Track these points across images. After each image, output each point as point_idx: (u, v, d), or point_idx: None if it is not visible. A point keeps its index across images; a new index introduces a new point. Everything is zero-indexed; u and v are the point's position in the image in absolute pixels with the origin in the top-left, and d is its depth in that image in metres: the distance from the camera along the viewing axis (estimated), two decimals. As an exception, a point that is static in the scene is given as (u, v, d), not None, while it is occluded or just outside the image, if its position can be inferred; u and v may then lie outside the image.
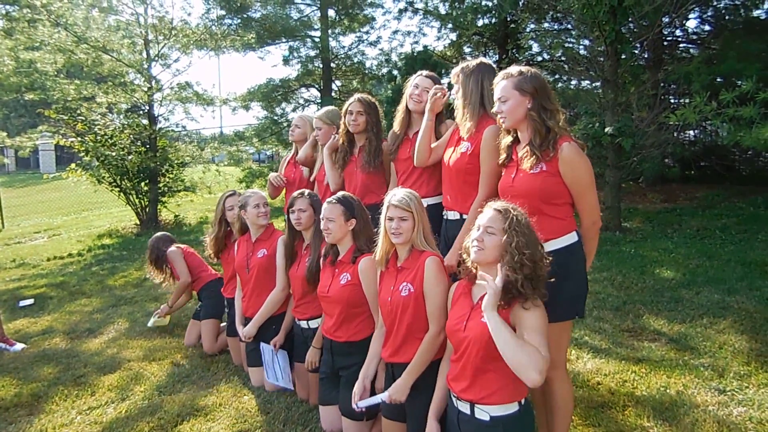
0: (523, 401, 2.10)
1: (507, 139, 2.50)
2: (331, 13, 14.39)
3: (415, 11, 14.01)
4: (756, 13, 10.68)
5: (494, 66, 2.83)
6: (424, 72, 3.23)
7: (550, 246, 2.28)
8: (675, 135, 8.55)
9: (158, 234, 4.87)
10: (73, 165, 10.31)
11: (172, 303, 4.64)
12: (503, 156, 2.50)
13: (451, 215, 2.86)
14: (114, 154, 9.78)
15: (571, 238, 2.35)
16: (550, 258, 2.13)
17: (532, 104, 2.33)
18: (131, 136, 10.32)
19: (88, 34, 9.85)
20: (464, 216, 2.74)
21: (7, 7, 11.41)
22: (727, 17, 11.05)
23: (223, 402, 3.44)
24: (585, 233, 2.42)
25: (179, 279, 4.50)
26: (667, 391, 3.26)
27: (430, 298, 2.42)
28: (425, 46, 13.18)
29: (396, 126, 3.32)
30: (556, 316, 2.25)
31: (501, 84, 2.40)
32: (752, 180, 10.50)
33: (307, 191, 3.29)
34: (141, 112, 11.23)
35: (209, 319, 4.29)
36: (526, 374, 1.88)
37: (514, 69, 2.41)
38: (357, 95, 3.49)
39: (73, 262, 8.09)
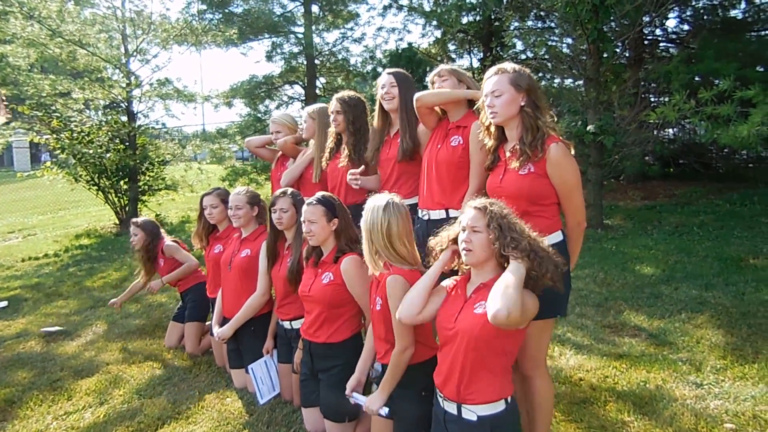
0: (509, 399, 2.10)
1: (488, 142, 2.51)
2: (315, 8, 14.31)
3: (400, 8, 14.03)
4: (733, 13, 10.87)
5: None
6: (387, 70, 3.24)
7: None
8: (655, 133, 8.67)
9: (145, 218, 4.64)
10: (48, 163, 10.09)
11: (168, 280, 4.38)
12: (490, 159, 2.51)
13: (435, 214, 2.84)
14: (91, 151, 9.55)
15: (556, 237, 2.37)
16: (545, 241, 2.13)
17: (526, 101, 2.34)
18: (109, 133, 10.08)
19: (62, 27, 9.55)
20: (451, 212, 2.75)
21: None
22: (705, 17, 11.22)
23: (205, 404, 3.40)
24: (570, 233, 2.44)
25: (182, 266, 4.34)
26: (647, 385, 3.31)
27: (393, 314, 2.35)
28: (410, 43, 13.22)
29: (375, 126, 3.32)
30: (539, 314, 2.27)
31: (494, 78, 2.38)
32: (729, 177, 10.69)
33: (290, 190, 3.25)
34: (119, 108, 11.04)
35: (193, 322, 4.22)
36: (496, 305, 1.89)
37: (507, 65, 2.41)
38: (337, 94, 3.47)
39: (49, 263, 7.90)
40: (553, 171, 2.29)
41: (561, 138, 2.35)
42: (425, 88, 3.05)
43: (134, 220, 4.51)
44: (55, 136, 9.77)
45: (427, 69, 12.56)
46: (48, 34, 9.45)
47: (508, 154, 2.43)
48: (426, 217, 2.90)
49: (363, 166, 3.29)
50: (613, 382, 3.39)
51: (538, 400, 2.45)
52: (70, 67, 10.16)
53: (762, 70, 9.14)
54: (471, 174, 2.73)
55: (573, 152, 2.36)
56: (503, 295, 1.90)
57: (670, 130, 11.68)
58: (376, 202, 2.42)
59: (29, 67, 9.91)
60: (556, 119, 2.49)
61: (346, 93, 3.49)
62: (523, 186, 2.32)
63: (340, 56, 15.15)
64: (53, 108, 9.86)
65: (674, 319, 4.34)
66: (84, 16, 10.52)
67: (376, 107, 3.27)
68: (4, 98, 9.99)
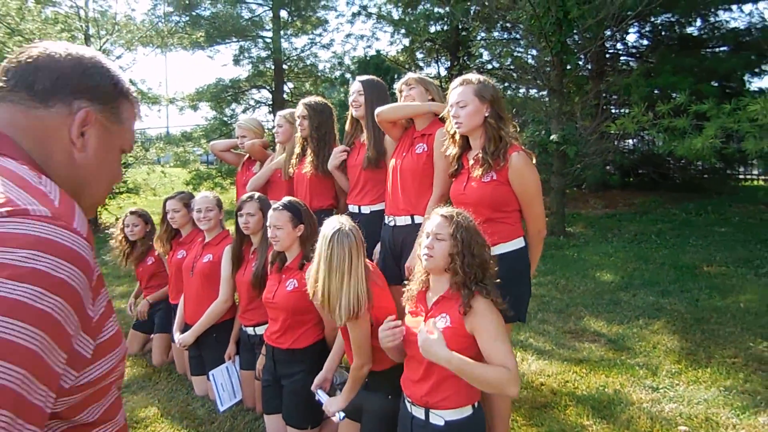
0: (476, 404, 2.12)
1: (452, 150, 2.56)
2: (284, 14, 14.25)
3: (369, 15, 14.08)
4: (689, 30, 11.31)
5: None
6: (358, 77, 3.28)
7: (499, 249, 2.35)
8: (615, 144, 8.93)
9: (143, 210, 4.44)
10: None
11: (154, 299, 4.23)
12: (453, 167, 2.56)
13: (401, 221, 2.87)
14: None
15: (518, 243, 2.43)
16: (495, 259, 2.18)
17: (490, 112, 2.39)
18: (70, 134, 9.87)
19: (22, 25, 9.34)
20: (416, 218, 2.79)
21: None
22: (663, 33, 11.65)
23: (164, 412, 3.33)
24: (530, 240, 2.51)
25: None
26: (605, 390, 3.40)
27: (353, 335, 2.34)
28: (378, 51, 13.30)
29: (345, 134, 3.36)
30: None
31: (459, 89, 2.43)
32: (685, 187, 11.08)
33: (257, 194, 3.24)
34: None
35: (162, 333, 4.10)
36: (506, 392, 1.93)
37: (472, 76, 2.46)
38: (304, 99, 3.48)
39: None
40: (514, 179, 2.35)
41: (523, 147, 2.41)
42: (393, 95, 3.09)
43: (133, 209, 4.32)
44: (12, 137, 9.45)
45: (395, 76, 12.66)
46: (6, 33, 9.17)
47: (471, 162, 2.48)
48: (392, 223, 2.93)
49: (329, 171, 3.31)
50: (573, 386, 3.47)
51: (496, 404, 2.50)
52: (30, 66, 9.85)
53: (716, 84, 9.52)
54: (435, 180, 2.78)
55: (534, 161, 2.42)
56: (500, 387, 1.93)
57: (630, 141, 12.04)
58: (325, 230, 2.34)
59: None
60: (518, 129, 2.56)
61: (312, 98, 3.49)
62: (485, 193, 2.37)
63: (308, 61, 15.12)
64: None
65: (632, 325, 4.47)
66: (45, 14, 10.24)
67: (348, 114, 3.30)
68: None
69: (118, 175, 1.03)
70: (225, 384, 3.32)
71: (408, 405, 2.20)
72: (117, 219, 10.39)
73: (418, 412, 2.14)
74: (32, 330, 0.68)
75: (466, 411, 2.09)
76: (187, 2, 12.49)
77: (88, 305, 0.79)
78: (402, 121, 2.97)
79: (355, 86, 3.20)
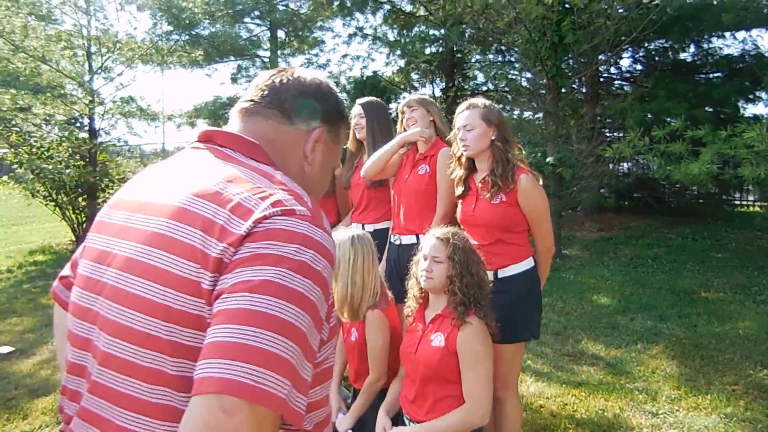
0: None
1: (459, 172, 2.59)
2: (281, 34, 14.43)
3: (364, 37, 14.24)
4: (683, 56, 11.47)
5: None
6: (358, 100, 3.31)
7: (510, 271, 2.42)
8: (611, 167, 8.99)
9: None
10: (5, 177, 9.77)
11: None
12: (460, 189, 2.59)
13: (406, 239, 2.91)
14: (50, 167, 9.30)
15: (528, 263, 2.47)
16: (495, 279, 2.31)
17: (496, 135, 2.44)
18: (70, 149, 9.87)
19: (26, 42, 9.45)
20: (421, 237, 2.80)
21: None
22: (657, 58, 11.82)
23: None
24: (540, 258, 2.56)
25: None
26: (605, 414, 3.38)
27: (370, 347, 2.41)
28: (375, 72, 13.42)
29: (348, 154, 3.41)
30: (513, 338, 2.35)
31: (466, 113, 2.48)
32: (680, 212, 11.12)
33: None
34: (79, 124, 10.80)
35: None
36: (476, 425, 2.05)
37: (478, 100, 2.53)
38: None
39: (2, 279, 7.59)
40: (523, 200, 2.39)
41: (530, 169, 2.46)
42: (391, 116, 3.13)
43: None
44: (13, 150, 9.49)
45: (391, 97, 12.78)
46: (11, 49, 9.26)
47: (479, 184, 2.52)
48: (398, 242, 2.97)
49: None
50: (573, 409, 3.45)
51: (508, 422, 2.50)
52: (33, 82, 9.93)
53: (710, 110, 9.62)
54: (438, 200, 2.83)
55: (541, 182, 2.48)
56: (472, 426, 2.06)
57: (625, 165, 12.13)
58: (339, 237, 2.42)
59: (-11, 81, 9.66)
60: (523, 151, 2.59)
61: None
62: (496, 215, 2.41)
63: (304, 81, 15.23)
64: (13, 122, 9.58)
65: (630, 349, 4.46)
66: (48, 32, 10.34)
67: (350, 134, 3.33)
68: None
69: (325, 189, 1.19)
70: None
71: (407, 422, 2.21)
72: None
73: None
74: (302, 314, 0.81)
75: None
76: (187, 22, 12.59)
77: (330, 294, 0.92)
78: (394, 157, 2.99)
79: (356, 110, 3.26)
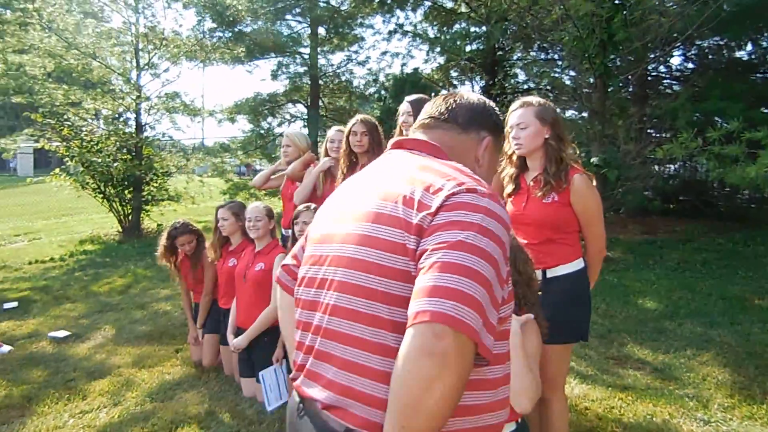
0: (519, 420, 2.08)
1: (510, 170, 2.55)
2: (321, 30, 14.52)
3: (404, 33, 14.20)
4: (738, 54, 11.02)
5: None
6: (408, 97, 3.33)
7: (560, 271, 2.39)
8: (658, 169, 8.72)
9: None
10: (57, 170, 10.12)
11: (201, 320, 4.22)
12: (510, 187, 2.55)
13: None
14: (99, 160, 9.64)
15: (578, 264, 2.43)
16: (544, 278, 2.28)
17: (550, 134, 2.40)
18: (117, 143, 10.18)
19: (78, 39, 9.82)
20: None
21: (-1, 9, 11.29)
22: (710, 56, 11.39)
23: (215, 411, 3.42)
24: (590, 260, 2.51)
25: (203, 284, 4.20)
26: (653, 419, 3.28)
27: None
28: (414, 69, 13.36)
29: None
30: (561, 339, 2.30)
31: (519, 111, 2.45)
32: (730, 217, 10.71)
33: (313, 205, 3.37)
34: (126, 119, 11.13)
35: (212, 334, 4.15)
36: (519, 399, 1.91)
37: (532, 99, 2.49)
38: (359, 116, 3.54)
39: (56, 267, 7.95)
40: (576, 200, 2.36)
41: (584, 170, 2.41)
42: None
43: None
44: (65, 144, 9.84)
45: (431, 94, 12.68)
46: (64, 46, 9.62)
47: (530, 183, 2.48)
48: None
49: None
50: (619, 413, 3.37)
51: (555, 424, 2.47)
52: (84, 78, 10.28)
53: (768, 111, 9.23)
54: None
55: (594, 183, 2.43)
56: (523, 391, 1.93)
57: (672, 167, 11.76)
58: None
59: (44, 77, 10.03)
60: (578, 152, 2.54)
61: (364, 115, 3.56)
62: (548, 214, 2.38)
63: (343, 78, 15.33)
64: (65, 117, 9.93)
65: (679, 355, 4.31)
66: (99, 29, 10.71)
67: (396, 130, 3.37)
68: None
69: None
70: (273, 385, 3.40)
71: None
72: (159, 225, 10.70)
73: None
74: (488, 267, 1.03)
75: (510, 427, 2.05)
76: (230, 19, 12.82)
77: (507, 259, 1.12)
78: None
79: (404, 107, 3.26)
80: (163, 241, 4.17)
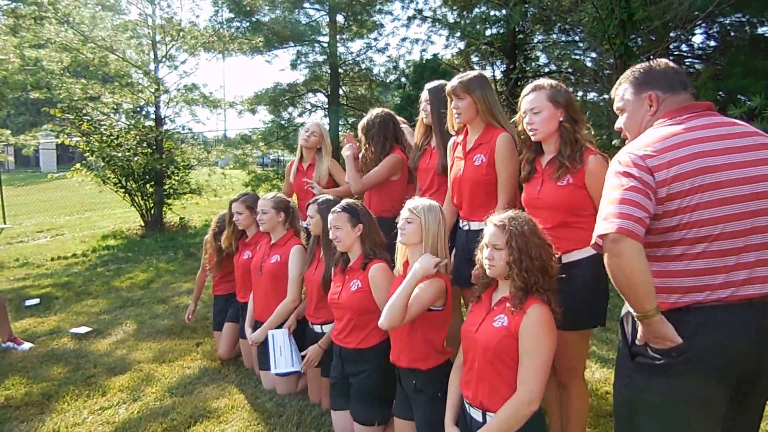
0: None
1: (525, 154, 2.54)
2: (340, 18, 14.42)
3: (424, 19, 14.04)
4: (761, 30, 10.73)
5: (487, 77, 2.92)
6: (428, 85, 3.28)
7: (575, 255, 2.34)
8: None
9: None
10: (78, 165, 10.20)
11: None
12: (526, 169, 2.53)
13: (474, 225, 2.85)
14: (120, 154, 9.66)
15: None
16: (560, 263, 2.21)
17: (564, 116, 2.37)
18: (137, 137, 10.17)
19: (94, 33, 9.78)
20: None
21: (13, 4, 11.38)
22: (732, 33, 11.11)
23: (235, 404, 3.45)
24: None
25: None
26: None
27: (423, 291, 2.42)
28: (434, 54, 13.25)
29: (416, 138, 3.41)
30: (578, 324, 2.30)
31: (532, 96, 2.42)
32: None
33: (321, 197, 3.37)
34: (146, 113, 11.17)
35: (231, 323, 4.18)
36: (527, 414, 2.02)
37: (543, 81, 2.45)
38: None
39: (78, 263, 8.03)
40: (591, 182, 2.31)
41: (599, 151, 2.37)
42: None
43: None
44: (85, 138, 9.89)
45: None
46: (81, 40, 9.64)
47: (545, 166, 2.45)
48: (466, 227, 2.93)
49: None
50: (641, 398, 3.35)
51: (574, 410, 2.47)
52: (101, 71, 10.31)
53: (792, 88, 8.97)
54: (499, 189, 2.75)
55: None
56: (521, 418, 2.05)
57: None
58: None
59: (61, 72, 10.05)
60: (592, 132, 2.51)
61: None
62: (562, 197, 2.35)
63: (363, 66, 15.20)
64: (84, 111, 9.94)
65: (702, 338, 4.27)
66: (115, 22, 10.69)
67: (419, 118, 3.37)
68: None
69: None
70: (283, 348, 3.38)
71: (467, 406, 2.22)
72: (181, 219, 10.83)
73: (476, 414, 2.16)
74: (632, 183, 1.69)
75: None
76: (247, 8, 12.82)
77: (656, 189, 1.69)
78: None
79: (423, 95, 3.26)
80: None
